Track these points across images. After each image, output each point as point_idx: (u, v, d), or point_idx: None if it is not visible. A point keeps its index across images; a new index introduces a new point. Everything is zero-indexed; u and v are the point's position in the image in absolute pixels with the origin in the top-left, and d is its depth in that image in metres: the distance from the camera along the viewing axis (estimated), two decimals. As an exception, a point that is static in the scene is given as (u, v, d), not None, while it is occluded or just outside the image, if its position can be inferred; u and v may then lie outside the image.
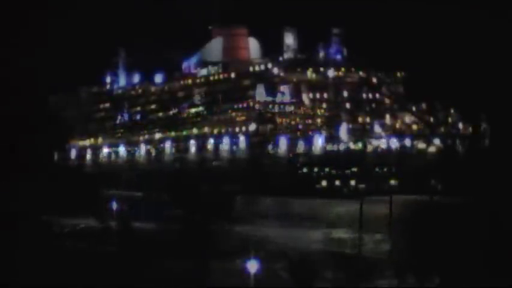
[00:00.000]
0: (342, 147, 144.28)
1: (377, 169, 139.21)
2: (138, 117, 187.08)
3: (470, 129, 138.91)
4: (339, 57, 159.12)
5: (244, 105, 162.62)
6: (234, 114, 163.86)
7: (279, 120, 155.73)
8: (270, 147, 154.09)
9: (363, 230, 46.09)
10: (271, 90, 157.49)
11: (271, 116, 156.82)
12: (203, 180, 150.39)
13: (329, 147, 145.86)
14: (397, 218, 48.30)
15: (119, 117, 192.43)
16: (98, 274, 45.78)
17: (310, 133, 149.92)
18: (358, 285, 43.80)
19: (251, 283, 43.62)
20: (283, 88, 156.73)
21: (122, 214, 49.92)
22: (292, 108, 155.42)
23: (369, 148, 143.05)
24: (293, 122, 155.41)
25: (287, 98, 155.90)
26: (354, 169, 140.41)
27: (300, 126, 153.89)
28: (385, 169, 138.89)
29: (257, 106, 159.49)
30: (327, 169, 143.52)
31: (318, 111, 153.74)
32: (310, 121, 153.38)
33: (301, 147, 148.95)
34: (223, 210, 52.79)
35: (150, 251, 47.69)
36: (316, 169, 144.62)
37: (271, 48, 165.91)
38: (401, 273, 44.36)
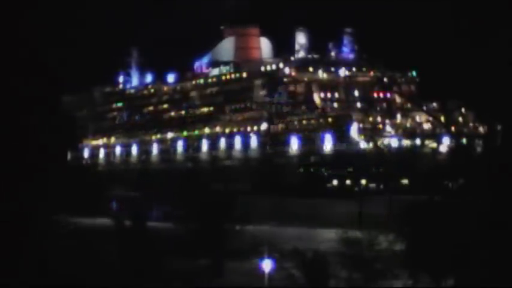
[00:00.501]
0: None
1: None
2: (150, 116, 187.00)
3: (482, 129, 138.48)
4: (351, 56, 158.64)
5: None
6: (244, 113, 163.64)
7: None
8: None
9: (375, 229, 45.30)
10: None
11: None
12: (214, 179, 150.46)
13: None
14: (407, 218, 47.63)
15: (131, 116, 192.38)
16: (109, 273, 45.44)
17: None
18: (372, 285, 43.21)
19: (264, 282, 43.26)
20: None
21: (135, 213, 49.45)
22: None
23: (379, 147, 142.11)
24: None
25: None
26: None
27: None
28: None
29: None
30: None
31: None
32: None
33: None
34: (225, 210, 52.39)
35: (162, 250, 47.33)
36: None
37: (284, 48, 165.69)
38: (416, 273, 43.73)
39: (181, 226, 50.57)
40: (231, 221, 51.50)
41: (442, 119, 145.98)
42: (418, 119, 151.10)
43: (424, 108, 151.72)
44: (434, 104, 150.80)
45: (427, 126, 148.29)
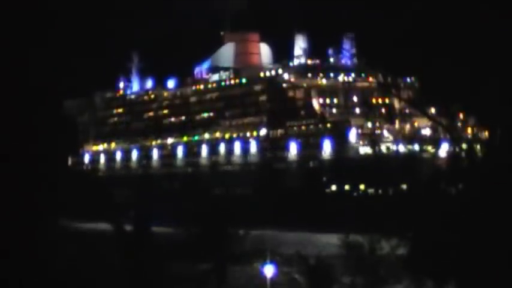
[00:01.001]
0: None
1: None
2: (150, 122, 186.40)
3: (481, 133, 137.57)
4: (350, 62, 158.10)
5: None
6: (243, 119, 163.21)
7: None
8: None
9: (379, 233, 44.92)
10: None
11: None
12: (214, 184, 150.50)
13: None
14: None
15: (132, 121, 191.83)
16: (111, 277, 45.08)
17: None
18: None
19: (268, 287, 42.92)
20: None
21: (139, 218, 48.99)
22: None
23: (379, 152, 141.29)
24: None
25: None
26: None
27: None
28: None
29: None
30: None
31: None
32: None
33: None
34: (227, 214, 52.05)
35: (164, 255, 46.91)
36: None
37: (284, 54, 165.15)
38: (419, 277, 43.35)
39: (183, 230, 50.21)
40: (233, 226, 51.08)
41: (442, 124, 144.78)
42: (417, 124, 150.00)
43: (428, 112, 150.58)
44: (433, 110, 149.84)
45: (426, 131, 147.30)
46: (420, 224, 45.45)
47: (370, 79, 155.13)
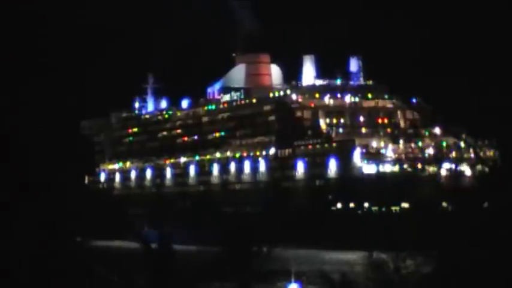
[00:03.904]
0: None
1: None
2: (164, 141, 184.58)
3: (490, 153, 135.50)
4: (358, 82, 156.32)
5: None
6: (253, 138, 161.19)
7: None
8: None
9: (401, 250, 42.32)
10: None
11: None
12: (225, 202, 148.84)
13: None
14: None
15: (146, 141, 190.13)
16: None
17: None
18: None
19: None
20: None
21: (162, 236, 46.56)
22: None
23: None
24: None
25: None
26: None
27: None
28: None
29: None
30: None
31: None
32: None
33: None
34: (249, 233, 49.65)
35: (189, 273, 44.39)
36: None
37: (294, 74, 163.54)
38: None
39: (206, 249, 47.85)
40: (254, 244, 48.60)
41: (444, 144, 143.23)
42: (421, 144, 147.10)
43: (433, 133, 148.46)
44: (437, 130, 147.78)
45: (430, 150, 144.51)
46: (446, 242, 42.99)
47: (377, 100, 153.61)
